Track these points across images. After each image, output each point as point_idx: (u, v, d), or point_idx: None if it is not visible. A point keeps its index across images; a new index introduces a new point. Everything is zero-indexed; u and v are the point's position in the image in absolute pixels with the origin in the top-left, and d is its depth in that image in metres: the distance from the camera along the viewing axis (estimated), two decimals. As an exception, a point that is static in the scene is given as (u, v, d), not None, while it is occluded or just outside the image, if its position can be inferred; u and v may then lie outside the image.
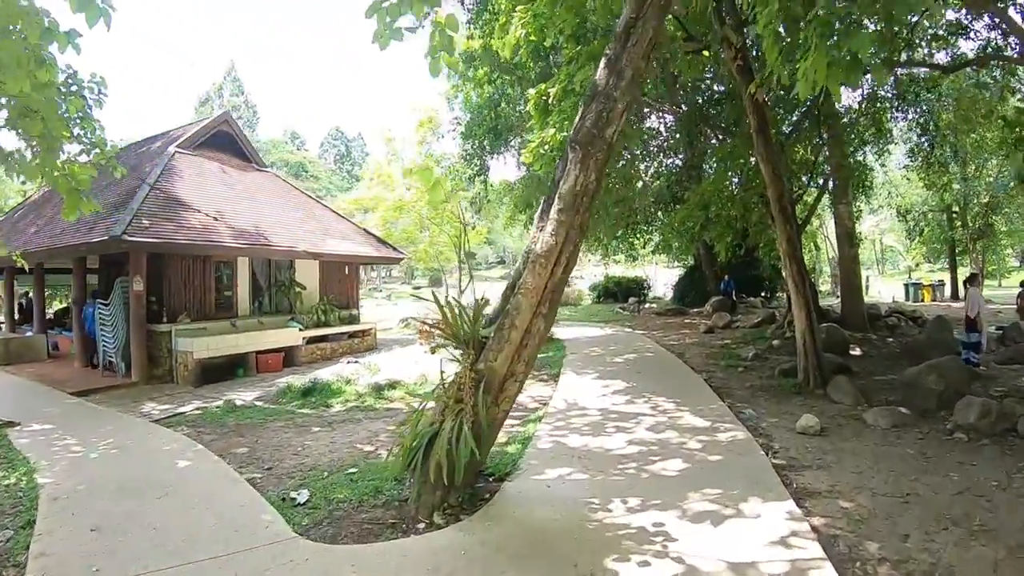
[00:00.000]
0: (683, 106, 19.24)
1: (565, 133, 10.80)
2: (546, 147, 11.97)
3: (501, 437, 8.67)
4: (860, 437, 8.57)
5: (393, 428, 9.55)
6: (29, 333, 21.52)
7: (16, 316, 22.94)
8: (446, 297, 7.32)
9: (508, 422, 9.77)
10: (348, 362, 15.63)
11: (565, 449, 8.28)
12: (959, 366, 10.90)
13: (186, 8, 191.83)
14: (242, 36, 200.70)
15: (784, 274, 13.19)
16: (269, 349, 16.91)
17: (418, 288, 74.89)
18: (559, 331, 21.93)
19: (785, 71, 6.19)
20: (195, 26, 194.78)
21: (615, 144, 6.27)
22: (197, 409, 11.94)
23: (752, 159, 14.27)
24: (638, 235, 28.71)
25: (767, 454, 7.78)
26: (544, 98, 12.04)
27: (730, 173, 15.49)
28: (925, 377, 10.15)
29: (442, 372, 7.20)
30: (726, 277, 28.44)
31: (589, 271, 57.71)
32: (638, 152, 24.75)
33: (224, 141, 21.03)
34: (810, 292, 12.55)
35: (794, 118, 17.05)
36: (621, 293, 39.57)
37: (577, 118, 6.39)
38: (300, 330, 17.97)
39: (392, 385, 13.10)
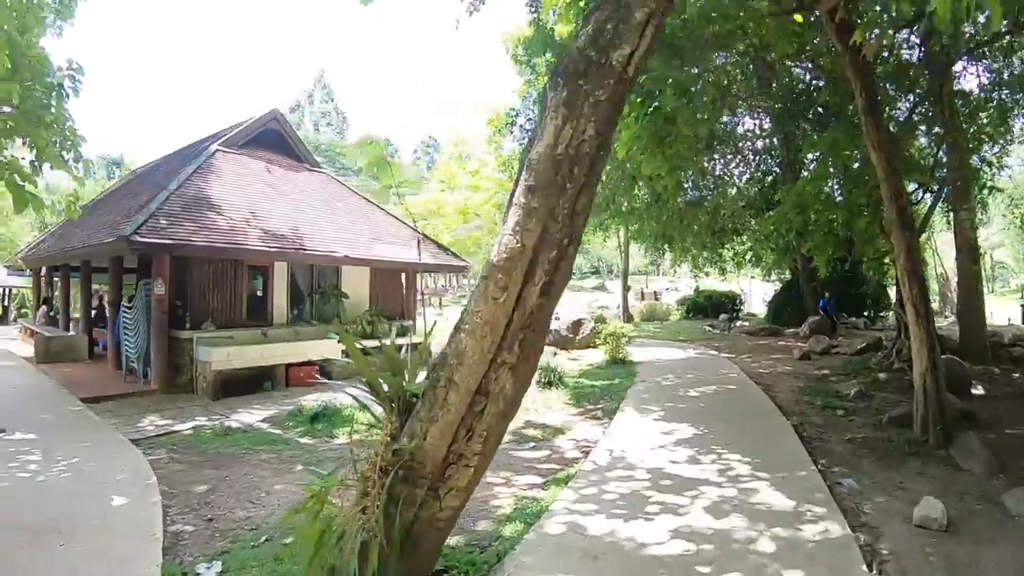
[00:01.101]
0: (778, 104, 16.40)
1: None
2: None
3: (507, 505, 6.67)
4: (1005, 536, 5.82)
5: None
6: (72, 333, 20.65)
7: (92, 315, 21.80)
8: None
9: (529, 480, 7.54)
10: (372, 382, 13.42)
11: (580, 539, 5.71)
12: None
13: (279, 20, 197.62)
14: (338, 46, 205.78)
15: (901, 295, 10.36)
16: (302, 362, 15.14)
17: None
18: (635, 351, 19.22)
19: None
20: (287, 37, 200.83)
21: (632, 78, 3.70)
22: (193, 428, 10.59)
23: (856, 158, 11.47)
24: (725, 245, 25.14)
25: (871, 568, 5.12)
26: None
27: (832, 170, 12.38)
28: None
29: (351, 450, 4.79)
30: (826, 295, 24.78)
31: (685, 283, 53.98)
32: (730, 155, 22.00)
33: (273, 139, 19.42)
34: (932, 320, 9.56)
35: (903, 112, 13.92)
36: (712, 309, 35.95)
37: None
38: (339, 342, 15.84)
39: (407, 416, 10.83)
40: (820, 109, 14.92)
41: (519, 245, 3.51)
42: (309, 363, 15.26)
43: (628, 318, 34.46)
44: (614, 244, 40.74)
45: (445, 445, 3.87)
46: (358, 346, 4.43)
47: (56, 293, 25.62)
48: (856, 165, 11.78)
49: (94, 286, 21.21)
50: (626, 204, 19.34)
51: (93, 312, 20.37)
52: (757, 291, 46.52)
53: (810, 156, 16.12)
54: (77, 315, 21.59)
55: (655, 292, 52.19)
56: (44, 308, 24.11)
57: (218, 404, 12.80)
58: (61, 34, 19.79)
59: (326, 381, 11.25)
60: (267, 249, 14.81)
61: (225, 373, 13.65)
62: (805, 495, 6.69)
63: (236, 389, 13.72)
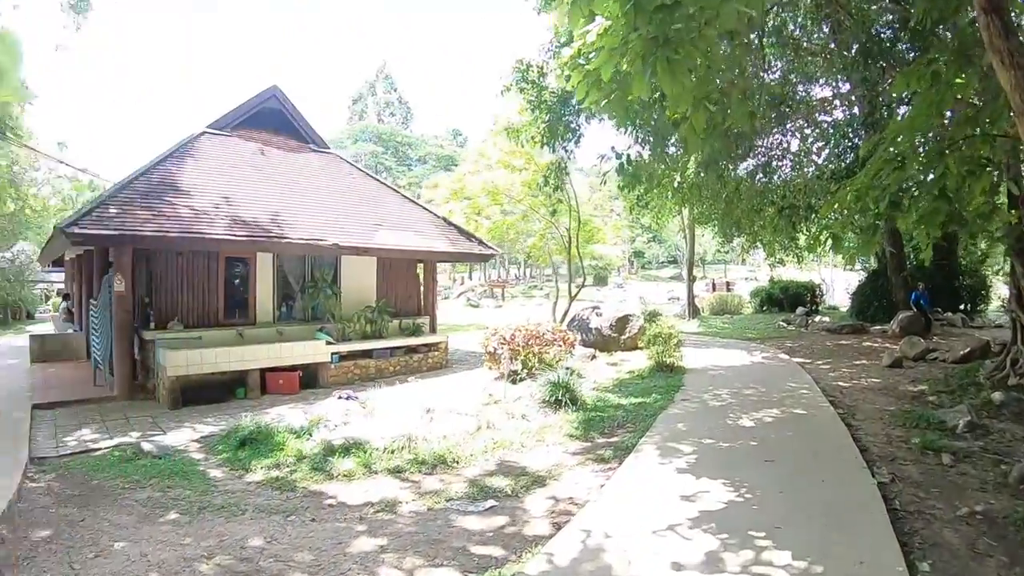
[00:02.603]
0: (855, 48, 12.77)
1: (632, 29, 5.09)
2: (591, 54, 5.99)
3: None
4: None
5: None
6: (71, 331, 18.77)
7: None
8: None
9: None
10: (340, 397, 10.58)
11: None
12: None
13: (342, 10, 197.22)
14: (401, 36, 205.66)
15: (1019, 287, 6.87)
16: (282, 366, 12.67)
17: (582, 287, 69.18)
18: (691, 354, 15.81)
19: None
20: (349, 28, 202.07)
21: None
22: (115, 447, 8.64)
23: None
24: (798, 226, 19.54)
25: None
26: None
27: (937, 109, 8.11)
28: None
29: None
30: (919, 286, 20.43)
31: (766, 273, 49.04)
32: (807, 128, 18.32)
33: (273, 119, 16.61)
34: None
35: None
36: (788, 301, 31.51)
37: None
38: (328, 343, 13.25)
39: (347, 448, 7.94)
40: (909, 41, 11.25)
41: None
42: (293, 368, 12.74)
43: (694, 312, 30.59)
44: (676, 227, 36.67)
45: None
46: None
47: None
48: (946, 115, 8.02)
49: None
50: (678, 177, 15.77)
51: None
52: (839, 281, 41.82)
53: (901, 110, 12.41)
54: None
55: (727, 283, 47.90)
56: (65, 304, 22.42)
57: (171, 415, 10.69)
58: (79, 29, 18.52)
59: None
60: (234, 238, 12.25)
61: (186, 379, 11.42)
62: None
63: (201, 397, 11.56)
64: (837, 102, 17.58)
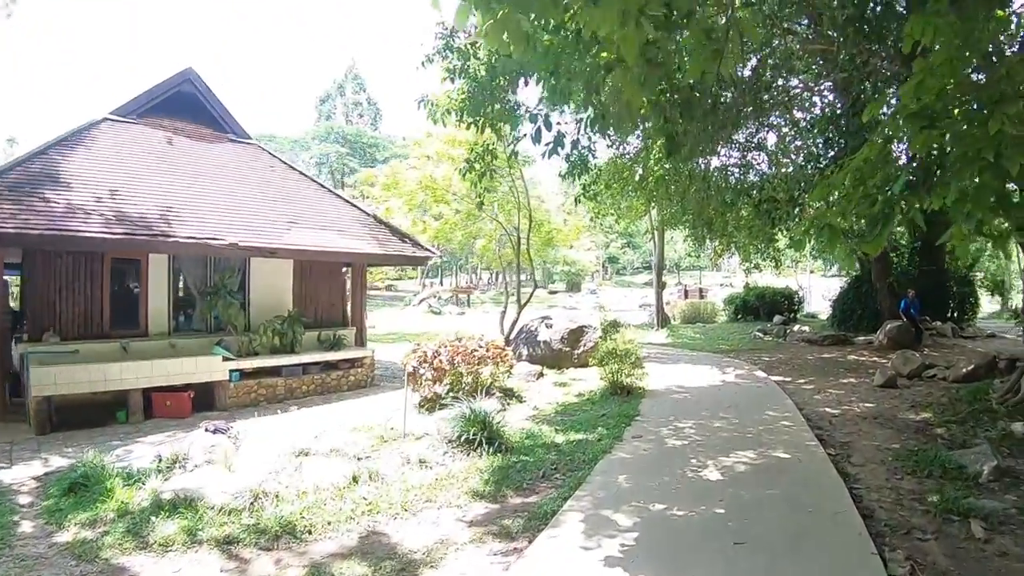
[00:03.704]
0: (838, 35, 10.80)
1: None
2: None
3: None
4: None
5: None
6: None
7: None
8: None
9: None
10: (207, 429, 8.41)
11: None
12: None
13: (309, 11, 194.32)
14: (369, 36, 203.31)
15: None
16: (171, 385, 10.70)
17: (554, 293, 67.15)
18: (654, 370, 13.85)
19: None
20: (318, 29, 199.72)
21: None
22: None
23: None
24: (777, 224, 16.68)
25: None
26: None
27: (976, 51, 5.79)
28: None
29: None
30: (909, 293, 18.52)
31: (742, 279, 46.90)
32: (785, 125, 16.45)
33: (187, 106, 14.46)
34: None
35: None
36: (764, 309, 29.36)
37: None
38: (226, 358, 11.14)
39: (175, 506, 5.83)
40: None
41: None
42: (187, 387, 10.81)
43: (664, 320, 28.51)
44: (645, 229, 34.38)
45: None
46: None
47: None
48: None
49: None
50: (640, 170, 13.66)
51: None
52: (816, 288, 39.85)
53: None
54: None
55: (700, 289, 46.00)
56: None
57: (34, 442, 9.09)
58: (10, 15, 16.55)
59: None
60: (110, 236, 10.21)
61: (60, 399, 9.86)
62: None
63: (78, 420, 9.97)
64: (817, 99, 15.66)
